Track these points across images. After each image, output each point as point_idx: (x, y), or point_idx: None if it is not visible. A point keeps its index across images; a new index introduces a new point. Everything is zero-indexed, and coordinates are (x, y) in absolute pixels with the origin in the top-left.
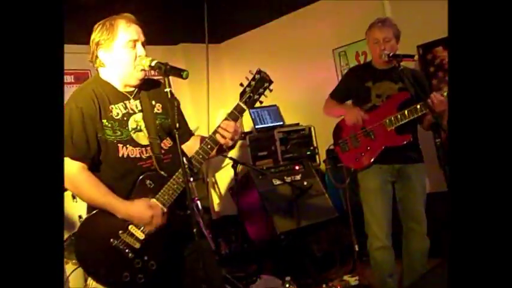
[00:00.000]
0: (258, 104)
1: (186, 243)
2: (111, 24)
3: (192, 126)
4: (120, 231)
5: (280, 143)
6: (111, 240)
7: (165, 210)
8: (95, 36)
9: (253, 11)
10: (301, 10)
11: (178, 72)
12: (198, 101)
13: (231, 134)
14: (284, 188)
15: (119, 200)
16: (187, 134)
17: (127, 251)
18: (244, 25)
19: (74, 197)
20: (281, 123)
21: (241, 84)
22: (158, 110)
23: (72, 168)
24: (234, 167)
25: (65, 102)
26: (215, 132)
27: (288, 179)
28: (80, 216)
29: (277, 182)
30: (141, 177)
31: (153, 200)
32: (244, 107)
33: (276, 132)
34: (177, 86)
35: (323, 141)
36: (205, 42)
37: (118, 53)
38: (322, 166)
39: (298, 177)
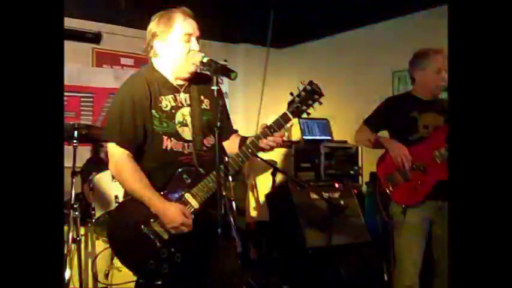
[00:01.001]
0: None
1: (213, 242)
2: (169, 16)
3: (240, 127)
4: (152, 220)
5: (325, 157)
6: (142, 226)
7: (197, 207)
8: (152, 26)
9: (319, 21)
10: (368, 27)
11: (227, 73)
12: (251, 103)
13: (273, 141)
14: (320, 203)
15: (156, 196)
16: (229, 132)
17: (155, 240)
18: (308, 34)
19: (113, 177)
20: (329, 137)
21: (291, 94)
22: (206, 106)
23: (119, 155)
24: (274, 174)
25: (119, 87)
26: (258, 137)
27: (326, 195)
28: (116, 196)
29: (314, 196)
30: (179, 170)
31: (187, 209)
32: (291, 116)
33: (323, 146)
34: (233, 85)
35: (369, 163)
36: (267, 46)
37: (172, 45)
38: (364, 188)
39: (336, 194)
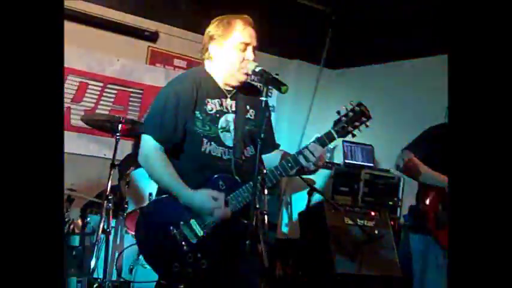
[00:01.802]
0: (353, 139)
1: (240, 252)
2: (229, 22)
3: (283, 142)
4: (182, 222)
5: (364, 184)
6: (171, 228)
7: (229, 214)
8: (211, 29)
9: (376, 47)
10: (424, 59)
11: (278, 85)
12: (297, 120)
13: (315, 158)
14: (354, 230)
15: (184, 186)
16: (272, 146)
17: (183, 243)
18: (363, 59)
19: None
20: (371, 164)
21: (338, 112)
22: (251, 115)
23: (151, 147)
24: (310, 193)
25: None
26: (299, 152)
27: (361, 222)
28: (150, 194)
29: (348, 221)
30: (215, 176)
31: (217, 192)
32: (335, 135)
33: (364, 173)
34: (280, 100)
35: (410, 196)
36: (321, 65)
37: (227, 52)
38: (402, 221)
39: (371, 223)
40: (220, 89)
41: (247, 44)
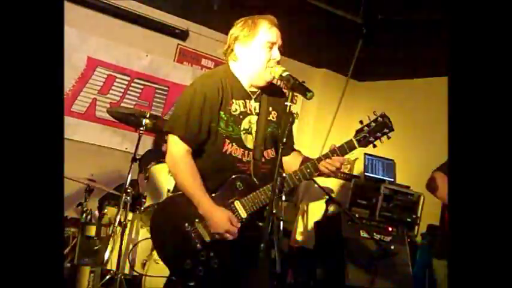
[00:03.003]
0: (374, 151)
1: (253, 255)
2: (254, 22)
3: (305, 150)
4: (197, 220)
5: (383, 198)
6: (186, 225)
7: (245, 217)
8: (235, 30)
9: (403, 62)
10: None
11: (304, 91)
12: (320, 129)
13: (335, 167)
14: (369, 244)
15: (207, 198)
16: (290, 149)
17: (196, 240)
18: (391, 73)
19: (169, 171)
20: (392, 179)
21: (361, 122)
22: (273, 117)
23: (179, 149)
24: (328, 203)
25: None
26: (319, 159)
27: (377, 236)
28: (168, 190)
29: (364, 234)
30: (233, 176)
31: (236, 220)
32: (356, 144)
33: (383, 187)
34: (305, 107)
35: (429, 214)
36: (348, 76)
37: (254, 51)
38: (419, 239)
39: (387, 238)
40: (245, 90)
41: (273, 43)
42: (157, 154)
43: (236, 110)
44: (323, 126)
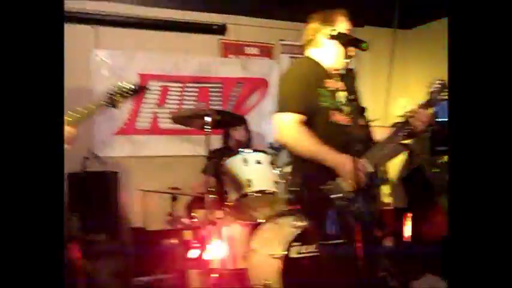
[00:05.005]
0: None
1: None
2: (332, 16)
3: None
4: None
5: None
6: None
7: (371, 168)
8: (316, 23)
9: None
10: None
11: (358, 43)
12: (378, 89)
13: (422, 122)
14: None
15: (329, 150)
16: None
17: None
18: (438, 11)
19: (244, 161)
20: None
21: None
22: (354, 96)
23: (293, 121)
24: (410, 157)
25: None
26: (408, 117)
27: None
28: (248, 180)
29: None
30: (348, 137)
31: (360, 160)
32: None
33: None
34: (360, 68)
35: None
36: (394, 27)
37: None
38: None
39: None
40: (329, 72)
41: None
42: (226, 150)
43: (329, 86)
44: (380, 86)
